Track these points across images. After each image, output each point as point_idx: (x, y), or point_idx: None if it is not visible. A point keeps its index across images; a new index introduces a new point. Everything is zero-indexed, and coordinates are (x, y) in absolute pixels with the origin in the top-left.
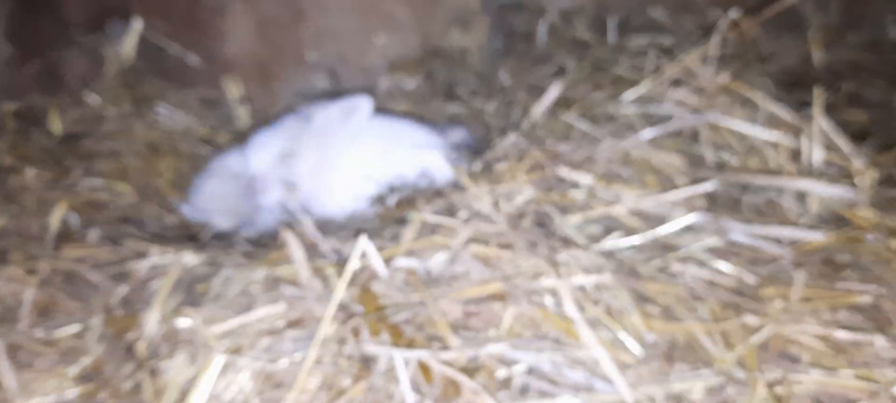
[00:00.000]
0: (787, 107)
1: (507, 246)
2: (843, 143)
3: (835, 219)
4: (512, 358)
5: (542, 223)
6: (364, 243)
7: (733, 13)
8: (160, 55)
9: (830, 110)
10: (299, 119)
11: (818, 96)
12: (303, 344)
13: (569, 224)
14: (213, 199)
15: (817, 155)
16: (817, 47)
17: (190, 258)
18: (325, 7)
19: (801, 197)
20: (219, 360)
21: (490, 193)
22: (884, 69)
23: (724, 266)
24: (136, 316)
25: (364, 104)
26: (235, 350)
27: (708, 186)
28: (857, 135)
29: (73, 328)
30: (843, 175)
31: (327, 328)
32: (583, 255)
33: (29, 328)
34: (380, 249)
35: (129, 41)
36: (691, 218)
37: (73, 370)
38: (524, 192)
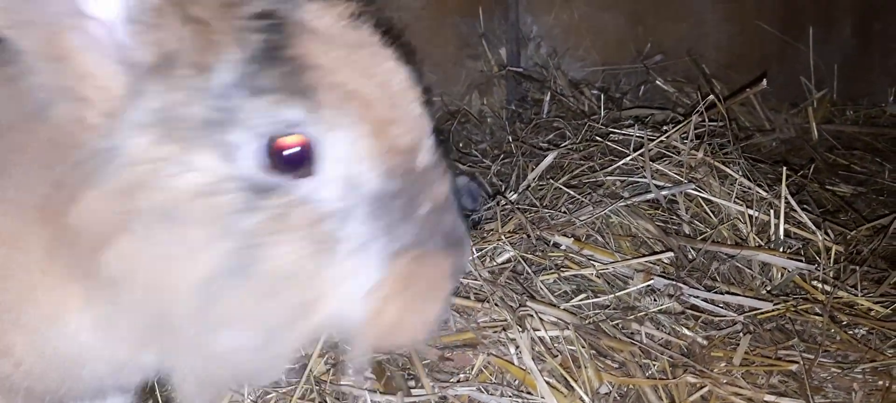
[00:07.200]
0: (761, 181)
1: (483, 299)
2: (806, 219)
3: (793, 290)
4: (478, 401)
5: (520, 280)
6: None
7: (712, 96)
8: None
9: (817, 183)
10: None
11: (786, 174)
12: (295, 376)
13: (543, 282)
14: None
15: (783, 229)
16: (815, 121)
17: None
18: None
19: (767, 267)
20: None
21: (476, 250)
22: (877, 143)
23: (678, 328)
24: None
25: None
26: None
27: (668, 255)
28: (840, 208)
29: None
30: (813, 249)
31: (316, 365)
32: (550, 311)
33: None
34: None
35: None
36: (650, 283)
37: None
38: (506, 251)
